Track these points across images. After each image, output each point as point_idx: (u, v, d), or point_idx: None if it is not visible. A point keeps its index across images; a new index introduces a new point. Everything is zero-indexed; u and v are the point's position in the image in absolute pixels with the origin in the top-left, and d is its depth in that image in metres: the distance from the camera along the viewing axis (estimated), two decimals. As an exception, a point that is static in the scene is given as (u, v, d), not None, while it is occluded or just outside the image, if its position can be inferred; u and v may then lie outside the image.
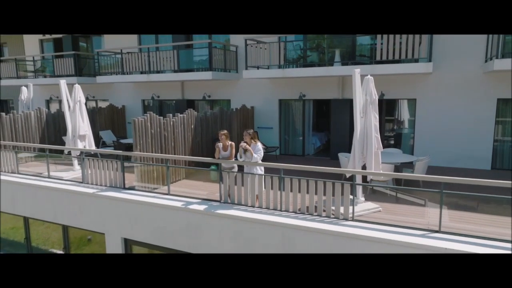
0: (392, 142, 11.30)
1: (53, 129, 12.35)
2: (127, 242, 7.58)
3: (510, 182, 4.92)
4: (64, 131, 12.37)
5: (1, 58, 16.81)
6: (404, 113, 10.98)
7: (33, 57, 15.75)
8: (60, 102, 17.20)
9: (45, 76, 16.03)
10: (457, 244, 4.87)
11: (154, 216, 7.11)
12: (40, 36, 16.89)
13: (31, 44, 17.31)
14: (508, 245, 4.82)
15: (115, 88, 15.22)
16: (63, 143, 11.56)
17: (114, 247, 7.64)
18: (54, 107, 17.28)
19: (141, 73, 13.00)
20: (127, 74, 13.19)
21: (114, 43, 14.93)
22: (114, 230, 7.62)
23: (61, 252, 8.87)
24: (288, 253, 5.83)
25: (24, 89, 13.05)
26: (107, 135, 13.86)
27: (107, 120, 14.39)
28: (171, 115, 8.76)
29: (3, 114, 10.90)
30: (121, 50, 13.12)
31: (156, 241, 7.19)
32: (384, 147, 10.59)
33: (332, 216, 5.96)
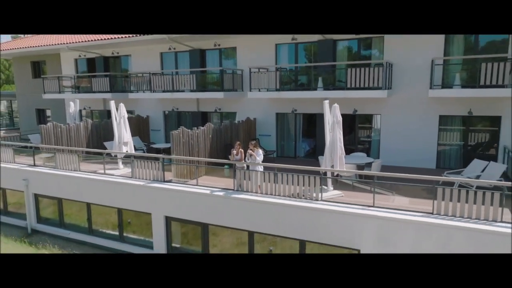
0: (368, 146, 14.42)
1: (96, 136, 15.51)
2: (167, 219, 10.74)
3: (416, 175, 8.09)
4: (104, 138, 15.59)
5: (46, 76, 19.89)
6: (372, 125, 14.12)
7: (74, 76, 18.91)
8: (92, 111, 20.40)
9: (79, 92, 19.10)
10: (379, 213, 8.02)
11: (188, 200, 10.25)
12: (76, 56, 20.05)
13: (67, 62, 20.48)
14: (417, 213, 7.93)
15: (141, 101, 18.35)
16: (104, 147, 14.71)
17: (158, 222, 10.80)
18: (85, 115, 20.42)
19: (163, 91, 16.15)
20: (153, 92, 16.34)
21: (138, 62, 18.13)
22: (158, 210, 10.78)
23: (114, 231, 12.00)
24: (278, 221, 8.97)
25: (71, 104, 16.22)
26: (136, 141, 16.96)
27: (135, 128, 17.47)
28: (195, 128, 11.90)
29: (62, 125, 14.08)
30: (150, 73, 16.27)
31: (189, 217, 10.35)
32: (357, 151, 13.79)
33: (308, 198, 9.09)
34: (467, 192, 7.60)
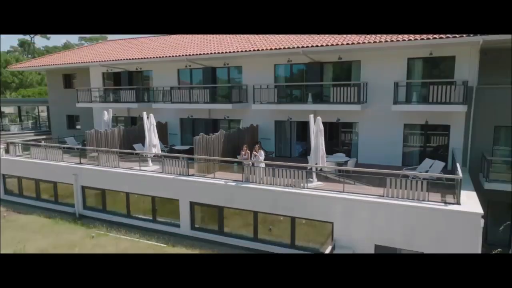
0: (349, 148, 17.70)
1: (127, 140, 18.84)
2: (192, 204, 14.06)
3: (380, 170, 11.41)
4: (133, 141, 18.90)
5: (80, 88, 23.24)
6: (353, 130, 17.43)
7: (104, 89, 22.28)
8: (117, 118, 23.72)
9: (105, 102, 22.38)
10: (347, 196, 11.33)
11: (207, 189, 13.57)
12: (104, 70, 23.39)
13: (96, 75, 23.84)
14: (373, 196, 11.20)
15: (161, 110, 21.64)
16: (133, 149, 17.99)
17: (184, 206, 14.12)
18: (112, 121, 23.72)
19: (181, 102, 19.47)
20: (173, 102, 19.69)
21: (159, 76, 21.50)
22: (184, 197, 14.11)
23: (148, 216, 15.28)
24: (275, 204, 12.29)
25: (105, 112, 19.55)
26: (158, 143, 20.27)
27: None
28: (211, 134, 15.22)
29: (102, 131, 17.40)
30: (170, 88, 19.65)
31: (208, 202, 13.68)
32: (340, 152, 17.10)
33: (297, 187, 12.39)
34: (406, 181, 10.91)
